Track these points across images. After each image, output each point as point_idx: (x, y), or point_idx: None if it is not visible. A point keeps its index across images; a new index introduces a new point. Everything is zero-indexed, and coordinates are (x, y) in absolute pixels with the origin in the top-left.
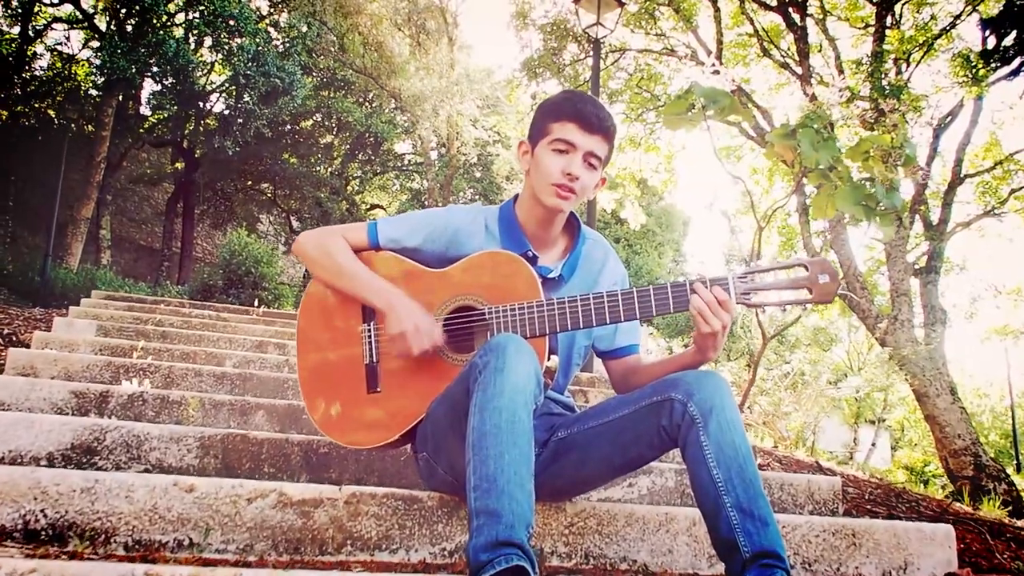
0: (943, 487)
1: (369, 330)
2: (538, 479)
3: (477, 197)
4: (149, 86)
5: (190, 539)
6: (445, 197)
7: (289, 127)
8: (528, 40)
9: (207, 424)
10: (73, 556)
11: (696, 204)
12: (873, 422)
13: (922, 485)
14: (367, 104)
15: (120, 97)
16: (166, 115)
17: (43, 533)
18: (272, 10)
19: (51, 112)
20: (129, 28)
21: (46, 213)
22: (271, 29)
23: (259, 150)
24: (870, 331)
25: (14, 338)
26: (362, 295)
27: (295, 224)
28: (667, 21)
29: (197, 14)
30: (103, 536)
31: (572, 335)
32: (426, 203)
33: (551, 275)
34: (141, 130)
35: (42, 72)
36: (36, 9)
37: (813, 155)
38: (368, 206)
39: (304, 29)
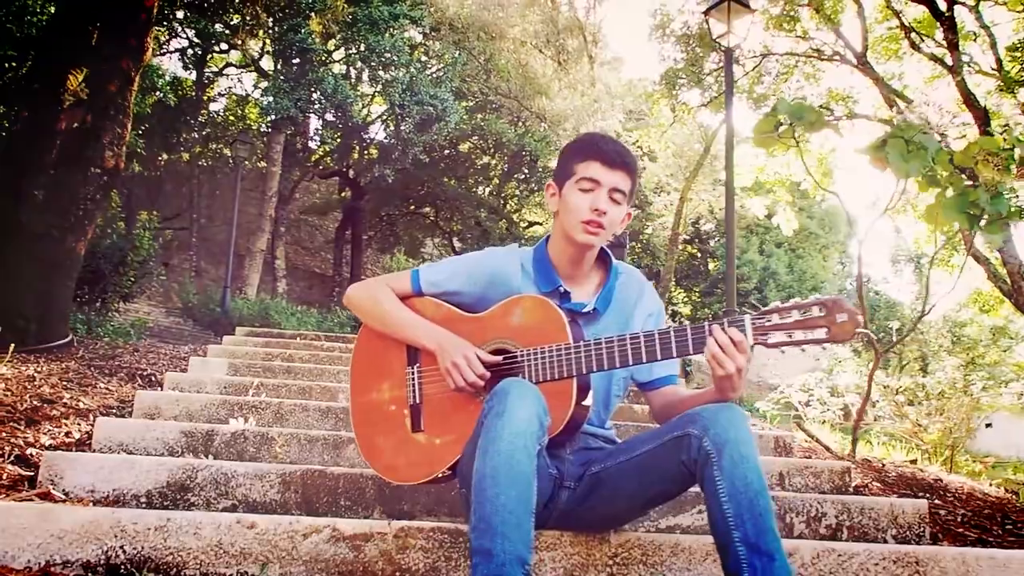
0: None
1: (413, 373)
2: (574, 512)
3: (632, 210)
4: (315, 121)
5: (251, 572)
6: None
7: (448, 151)
8: (668, 52)
9: (302, 459)
10: None
11: (860, 204)
12: None
13: None
14: (520, 124)
15: (288, 133)
16: (331, 148)
17: (122, 568)
18: (424, 39)
19: (226, 151)
20: (291, 69)
21: (226, 246)
22: (425, 57)
23: (418, 175)
24: None
25: (153, 378)
26: (411, 337)
27: (457, 245)
28: (810, 22)
29: (354, 50)
30: (175, 570)
31: (609, 372)
32: None
33: (585, 309)
34: (309, 163)
35: (217, 115)
36: (209, 56)
37: (903, 166)
38: (527, 223)
39: (456, 55)
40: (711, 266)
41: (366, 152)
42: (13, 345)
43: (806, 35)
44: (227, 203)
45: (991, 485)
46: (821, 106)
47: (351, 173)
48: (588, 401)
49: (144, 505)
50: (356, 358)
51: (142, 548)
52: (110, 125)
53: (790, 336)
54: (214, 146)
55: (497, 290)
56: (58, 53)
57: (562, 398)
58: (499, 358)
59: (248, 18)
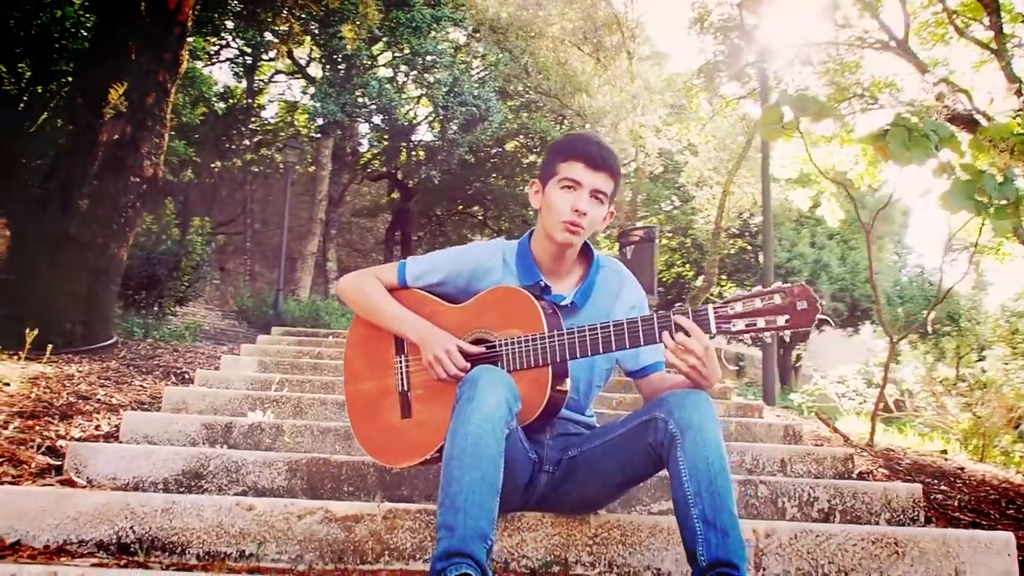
0: None
1: (401, 362)
2: (553, 495)
3: (679, 206)
4: (362, 125)
5: (250, 551)
6: (633, 211)
7: (494, 150)
8: (707, 45)
9: (315, 449)
10: (141, 566)
11: (914, 193)
12: None
13: None
14: (565, 122)
15: (336, 137)
16: (378, 150)
17: (132, 546)
18: (467, 40)
19: (277, 157)
20: (337, 74)
21: (279, 250)
22: (468, 58)
23: (465, 175)
24: None
25: (187, 376)
26: (396, 328)
27: None
28: (851, 8)
29: (398, 53)
30: (180, 548)
31: (592, 358)
32: (618, 215)
33: (564, 303)
34: (358, 166)
35: (268, 121)
36: (258, 65)
37: (904, 154)
38: None
39: (498, 55)
40: (762, 259)
41: (414, 154)
42: (51, 346)
43: (847, 23)
44: (279, 208)
45: (1018, 473)
46: (865, 91)
47: (399, 175)
48: (565, 387)
49: (161, 492)
50: (349, 348)
51: (150, 528)
52: (148, 136)
53: (753, 324)
54: (265, 152)
55: (480, 283)
56: (99, 68)
57: (538, 385)
58: (480, 348)
59: (294, 26)
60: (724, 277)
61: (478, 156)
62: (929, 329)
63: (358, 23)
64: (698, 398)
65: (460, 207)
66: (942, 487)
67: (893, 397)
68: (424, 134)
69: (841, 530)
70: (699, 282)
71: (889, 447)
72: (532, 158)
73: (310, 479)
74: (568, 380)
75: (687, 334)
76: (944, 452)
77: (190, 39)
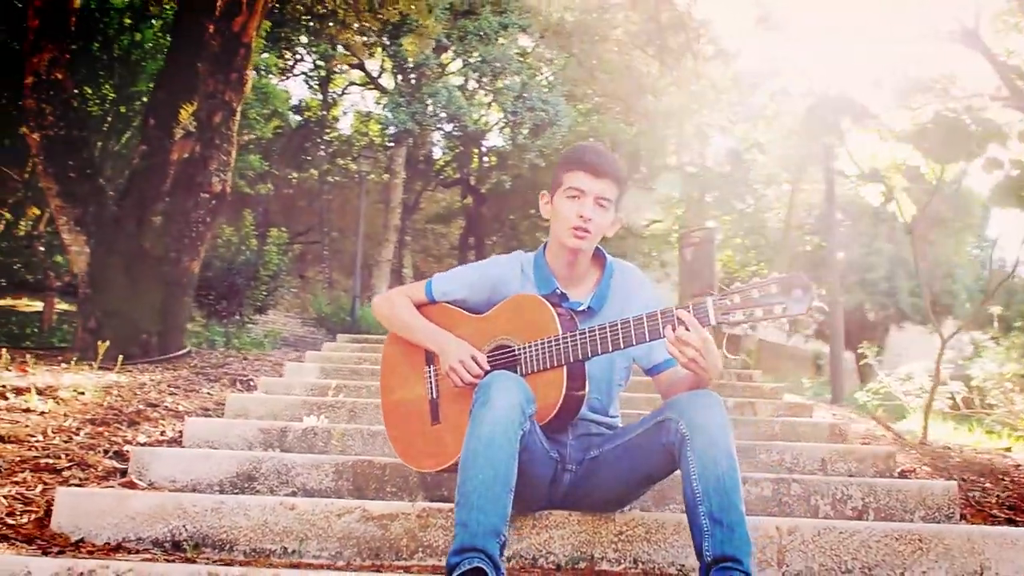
0: None
1: (430, 371)
2: (576, 495)
3: (751, 204)
4: (436, 132)
5: (292, 548)
6: (702, 211)
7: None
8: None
9: (364, 452)
10: (188, 560)
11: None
12: None
13: None
14: (634, 124)
15: (409, 145)
16: (451, 157)
17: (184, 543)
18: (535, 45)
19: (352, 166)
20: (408, 84)
21: (355, 257)
22: (536, 63)
23: (536, 179)
24: None
25: (251, 383)
26: (420, 341)
27: None
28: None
29: (468, 60)
30: (228, 545)
31: (610, 357)
32: (682, 215)
33: (581, 307)
34: (431, 173)
35: (343, 133)
36: (332, 77)
37: (942, 152)
38: (647, 222)
39: (565, 59)
40: (840, 256)
41: (486, 159)
42: (121, 357)
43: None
44: (356, 216)
45: None
46: (935, 83)
47: (472, 180)
48: (582, 388)
49: (217, 493)
50: (384, 361)
51: (200, 527)
52: (216, 153)
53: (751, 314)
54: (341, 162)
55: (500, 294)
56: (171, 89)
57: (555, 385)
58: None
59: (352, 40)
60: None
61: (549, 160)
62: (995, 324)
63: (419, 35)
64: (708, 400)
65: (533, 211)
66: (986, 484)
67: (961, 394)
68: (496, 139)
69: (865, 527)
70: None
71: (946, 445)
72: None
73: (355, 480)
74: (587, 381)
75: (688, 328)
76: (1008, 450)
77: (264, 55)
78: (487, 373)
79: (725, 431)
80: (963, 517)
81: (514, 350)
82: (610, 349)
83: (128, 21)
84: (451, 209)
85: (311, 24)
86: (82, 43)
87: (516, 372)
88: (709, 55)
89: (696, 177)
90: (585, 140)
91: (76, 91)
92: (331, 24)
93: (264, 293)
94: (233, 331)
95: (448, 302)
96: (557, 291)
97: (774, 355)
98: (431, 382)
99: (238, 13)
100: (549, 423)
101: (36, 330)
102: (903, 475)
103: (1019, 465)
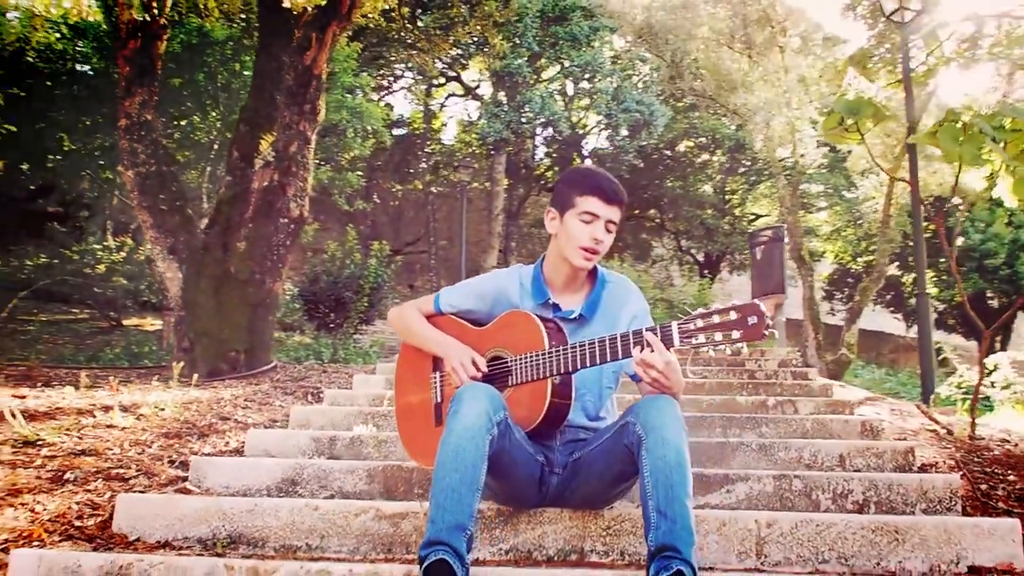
0: None
1: (436, 377)
2: (564, 495)
3: (847, 197)
4: (537, 138)
5: (316, 544)
6: (795, 206)
7: (667, 152)
8: (859, 31)
9: (405, 457)
10: (218, 555)
11: None
12: None
13: None
14: (725, 120)
15: (509, 153)
16: (551, 162)
17: (224, 541)
18: (628, 46)
19: (455, 176)
20: (504, 92)
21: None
22: (629, 64)
23: (636, 180)
24: None
25: (321, 394)
26: (428, 347)
27: (683, 244)
28: None
29: (561, 66)
30: (261, 543)
31: (599, 366)
32: (782, 210)
33: (572, 316)
34: (532, 178)
35: (444, 144)
36: (431, 91)
37: (955, 150)
38: (753, 216)
39: (656, 59)
40: (959, 242)
41: (585, 162)
42: (196, 375)
43: None
44: (461, 224)
45: None
46: None
47: None
48: (568, 399)
49: (265, 496)
50: (398, 368)
51: (236, 527)
52: (293, 180)
53: (711, 337)
54: (444, 172)
55: (501, 306)
56: (252, 123)
57: (539, 395)
58: (483, 361)
59: (427, 62)
60: (913, 264)
61: (648, 160)
62: None
63: (487, 56)
64: (663, 403)
65: (636, 212)
66: (1010, 477)
67: None
68: (594, 142)
69: (842, 519)
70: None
71: (1004, 438)
72: (705, 157)
73: (386, 483)
74: (572, 392)
75: (653, 349)
76: None
77: (364, 74)
78: (485, 378)
79: (675, 433)
80: (965, 510)
81: (507, 361)
82: (588, 364)
83: (229, 52)
84: None
85: (409, 41)
86: (187, 76)
87: (509, 382)
88: (796, 47)
89: (786, 172)
90: (685, 138)
91: (177, 123)
92: (420, 43)
93: (366, 305)
94: (340, 342)
95: (454, 314)
96: (549, 301)
97: (891, 347)
98: (436, 387)
99: (308, 47)
100: (536, 429)
101: (154, 348)
102: (923, 469)
103: None
